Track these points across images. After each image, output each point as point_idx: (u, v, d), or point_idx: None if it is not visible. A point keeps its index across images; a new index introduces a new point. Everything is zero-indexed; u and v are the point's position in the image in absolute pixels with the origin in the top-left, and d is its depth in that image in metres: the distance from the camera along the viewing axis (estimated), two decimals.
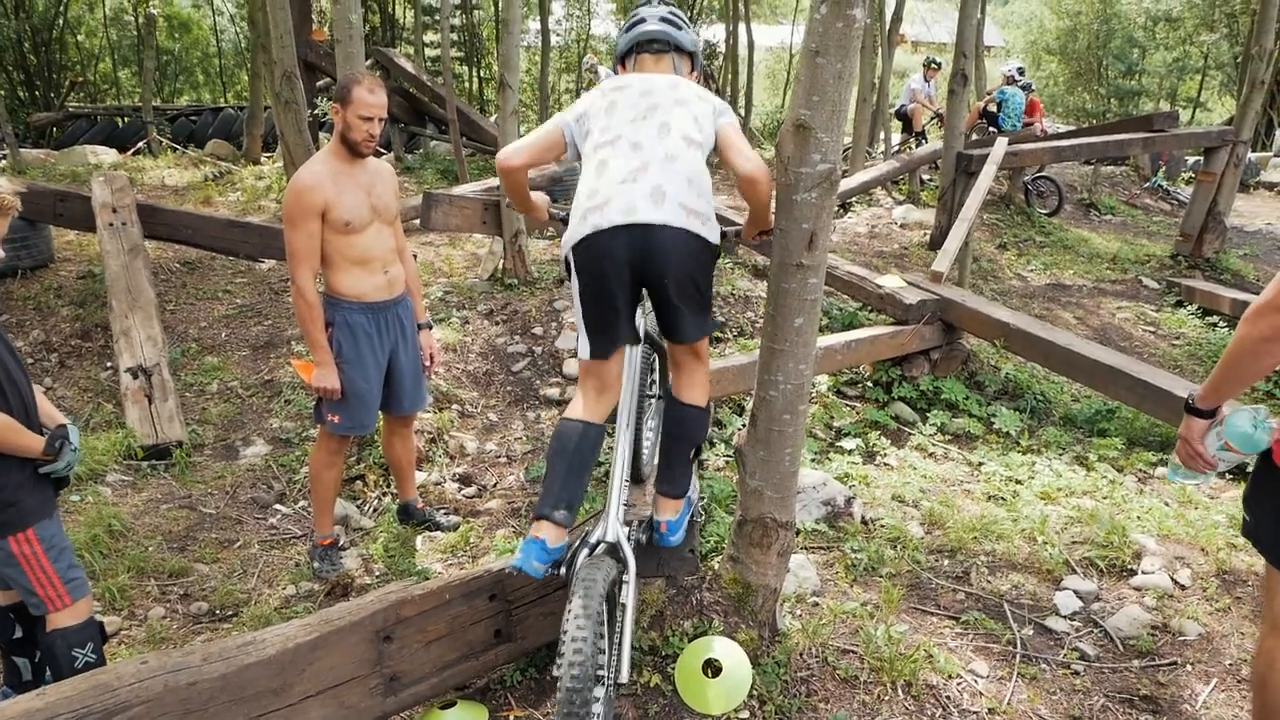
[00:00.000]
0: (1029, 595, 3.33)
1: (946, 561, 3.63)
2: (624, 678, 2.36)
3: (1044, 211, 11.20)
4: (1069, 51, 27.55)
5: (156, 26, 16.65)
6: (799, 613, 3.17)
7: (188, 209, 7.70)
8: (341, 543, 4.02)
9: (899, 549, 3.77)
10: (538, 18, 15.17)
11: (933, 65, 12.58)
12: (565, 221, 2.70)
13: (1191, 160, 15.37)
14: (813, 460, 4.67)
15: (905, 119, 12.37)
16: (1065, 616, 3.23)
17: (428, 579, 3.78)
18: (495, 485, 4.70)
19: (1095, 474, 4.50)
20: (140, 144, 12.51)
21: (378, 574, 3.83)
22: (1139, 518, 3.92)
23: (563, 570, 2.43)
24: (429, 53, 19.18)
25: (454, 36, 20.58)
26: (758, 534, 2.62)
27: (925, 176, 11.36)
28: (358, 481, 4.55)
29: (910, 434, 5.28)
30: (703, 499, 3.34)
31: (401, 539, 4.05)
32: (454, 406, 5.30)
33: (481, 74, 22.50)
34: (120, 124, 16.27)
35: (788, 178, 2.31)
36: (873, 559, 3.60)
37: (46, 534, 2.45)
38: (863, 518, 4.12)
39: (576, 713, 2.08)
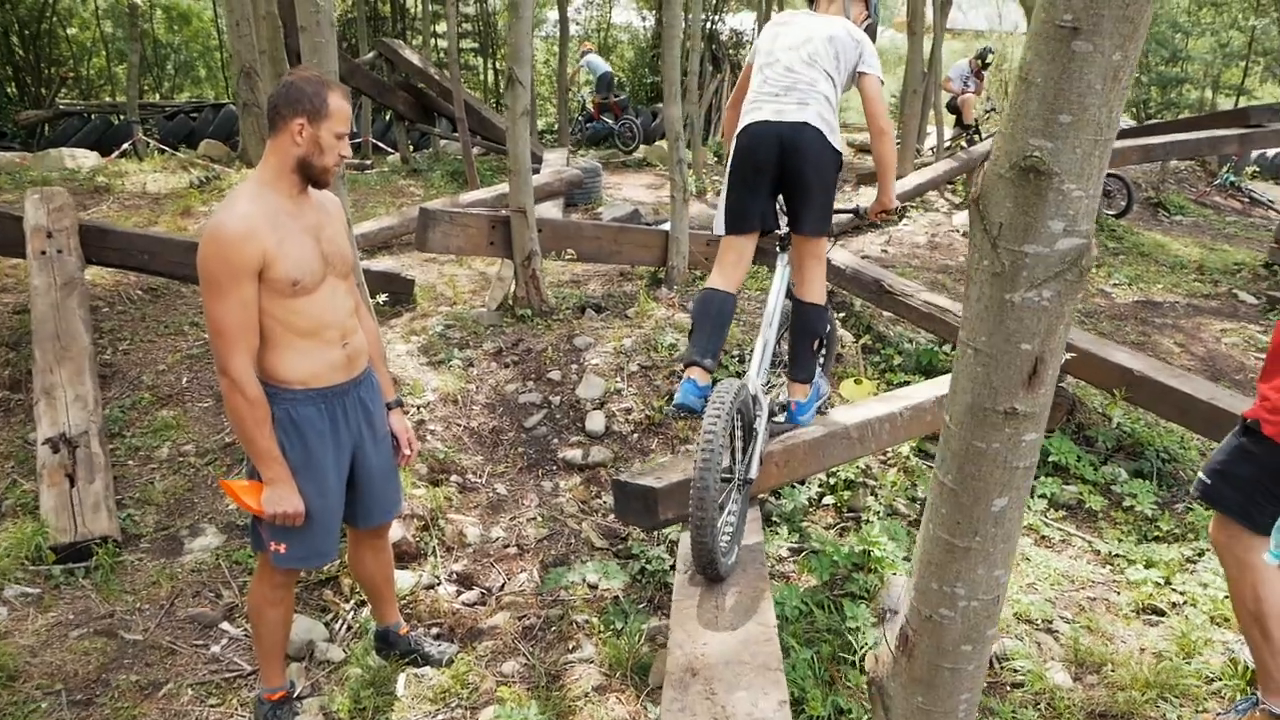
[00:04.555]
0: None
1: None
2: (752, 474, 3.05)
3: (1111, 213, 10.12)
4: None
5: (142, 16, 15.73)
6: None
7: (152, 229, 6.76)
8: (299, 690, 3.06)
9: (1045, 711, 2.77)
10: (556, 5, 14.16)
11: (987, 62, 11.38)
12: None
13: (1255, 154, 14.23)
14: (905, 558, 3.66)
15: (955, 112, 11.26)
16: None
17: None
18: (502, 588, 3.73)
19: None
20: (126, 145, 11.59)
21: None
22: None
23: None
24: (440, 44, 18.20)
25: (467, 26, 19.59)
26: None
27: None
28: (327, 588, 3.59)
29: None
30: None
31: (378, 681, 3.09)
32: (452, 478, 4.33)
33: (496, 66, 21.49)
34: (115, 122, 15.41)
35: (996, 262, 1.31)
36: None
37: None
38: None
39: (704, 495, 2.57)
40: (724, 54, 16.95)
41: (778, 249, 3.54)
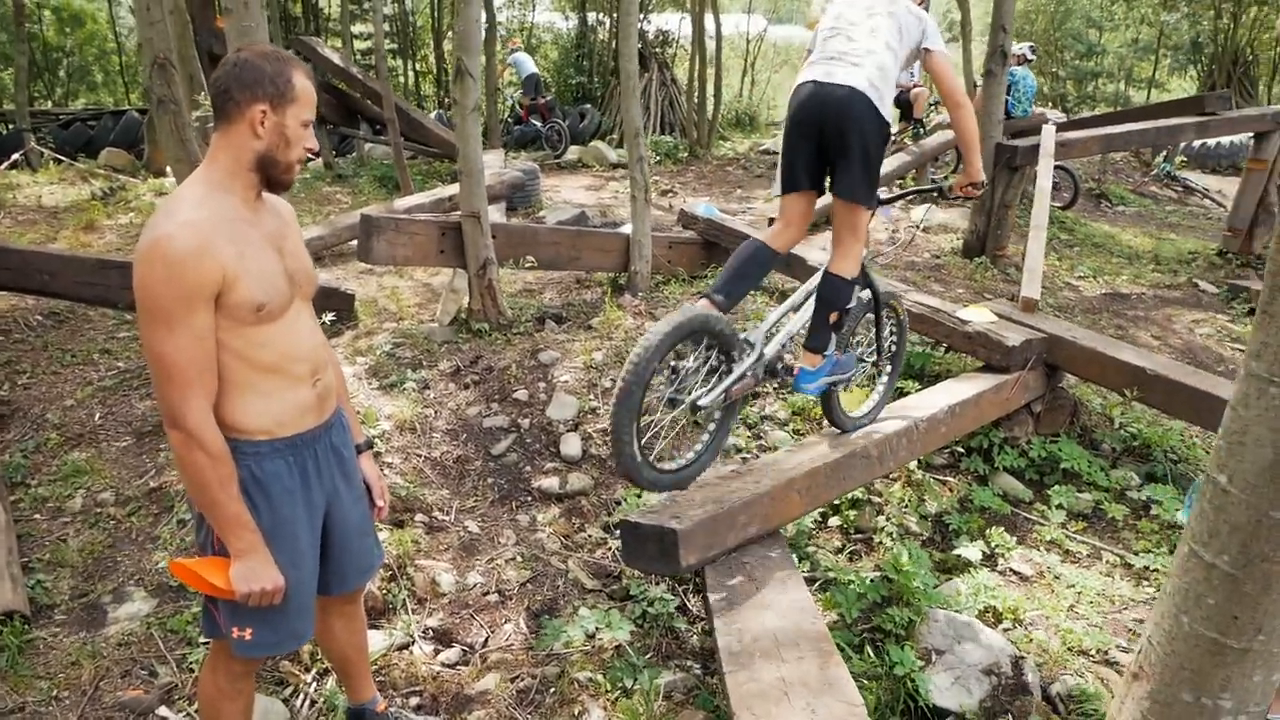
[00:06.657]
0: None
1: None
2: (703, 402, 3.02)
3: (1058, 205, 10.07)
4: (1026, 34, 26.74)
5: (29, 16, 14.65)
6: None
7: (51, 246, 6.06)
8: None
9: None
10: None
11: None
12: None
13: (1182, 145, 14.48)
14: (934, 586, 3.32)
15: (904, 105, 11.03)
16: None
17: None
18: (486, 643, 3.26)
19: None
20: (17, 155, 10.66)
21: None
22: None
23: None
24: (357, 44, 17.45)
25: (386, 26, 18.83)
26: None
27: (932, 172, 10.12)
28: (283, 658, 3.07)
29: (1030, 520, 3.99)
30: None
31: None
32: (418, 517, 3.84)
33: (417, 68, 20.78)
34: (4, 130, 14.32)
35: None
36: None
37: None
38: (1044, 691, 2.79)
39: (625, 400, 2.74)
40: (650, 53, 16.60)
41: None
